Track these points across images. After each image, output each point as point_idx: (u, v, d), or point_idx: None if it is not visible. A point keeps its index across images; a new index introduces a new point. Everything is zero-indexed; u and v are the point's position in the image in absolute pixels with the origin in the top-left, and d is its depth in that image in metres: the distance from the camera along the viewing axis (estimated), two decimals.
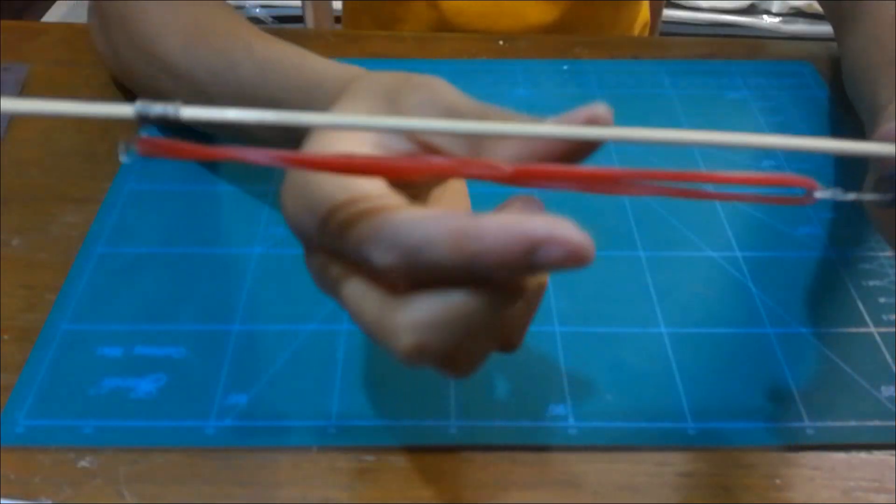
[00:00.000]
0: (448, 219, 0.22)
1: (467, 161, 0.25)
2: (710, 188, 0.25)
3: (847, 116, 0.52)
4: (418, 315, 0.23)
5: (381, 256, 0.23)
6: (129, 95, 0.52)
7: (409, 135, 0.27)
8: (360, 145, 0.27)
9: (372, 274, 0.25)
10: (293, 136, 0.29)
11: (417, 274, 0.23)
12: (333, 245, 0.25)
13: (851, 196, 0.24)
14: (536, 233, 0.20)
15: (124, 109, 0.20)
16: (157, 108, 0.20)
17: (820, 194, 0.24)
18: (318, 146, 0.27)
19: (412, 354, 0.24)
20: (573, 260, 0.20)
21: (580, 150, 0.25)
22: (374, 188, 0.25)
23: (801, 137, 0.23)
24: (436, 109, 0.27)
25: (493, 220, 0.21)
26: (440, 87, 0.28)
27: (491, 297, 0.23)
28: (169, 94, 0.45)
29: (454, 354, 0.27)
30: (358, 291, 0.25)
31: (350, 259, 0.25)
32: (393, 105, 0.28)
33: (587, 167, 0.23)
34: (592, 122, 0.23)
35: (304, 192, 0.26)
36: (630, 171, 0.23)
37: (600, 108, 0.23)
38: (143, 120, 0.20)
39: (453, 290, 0.23)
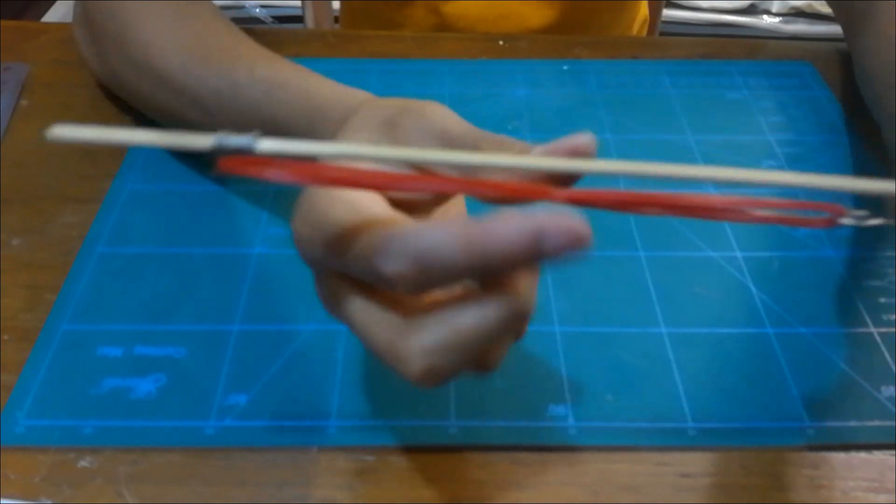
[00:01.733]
0: (455, 223, 0.23)
1: (522, 187, 0.26)
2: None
3: (848, 117, 0.52)
4: (428, 340, 0.24)
5: (393, 265, 0.23)
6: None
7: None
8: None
9: (382, 289, 0.26)
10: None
11: (428, 280, 0.23)
12: (344, 265, 0.26)
13: (877, 221, 0.24)
14: (542, 221, 0.22)
15: (203, 141, 0.21)
16: (234, 141, 0.21)
17: (846, 220, 0.24)
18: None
19: (424, 378, 0.25)
20: (576, 242, 0.22)
21: (568, 177, 0.26)
22: (380, 210, 0.26)
23: (813, 175, 0.23)
24: (431, 135, 0.28)
25: (499, 218, 0.22)
26: (436, 113, 0.29)
27: (499, 317, 0.24)
28: (167, 107, 0.44)
29: (479, 360, 0.27)
30: (368, 316, 0.26)
31: (361, 277, 0.26)
32: (391, 132, 0.29)
33: (625, 191, 0.24)
34: (575, 153, 0.25)
35: (316, 219, 0.27)
36: (669, 196, 0.23)
37: (584, 139, 0.25)
38: (219, 152, 0.21)
39: (462, 310, 0.24)
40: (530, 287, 0.24)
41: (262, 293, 0.39)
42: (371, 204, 0.27)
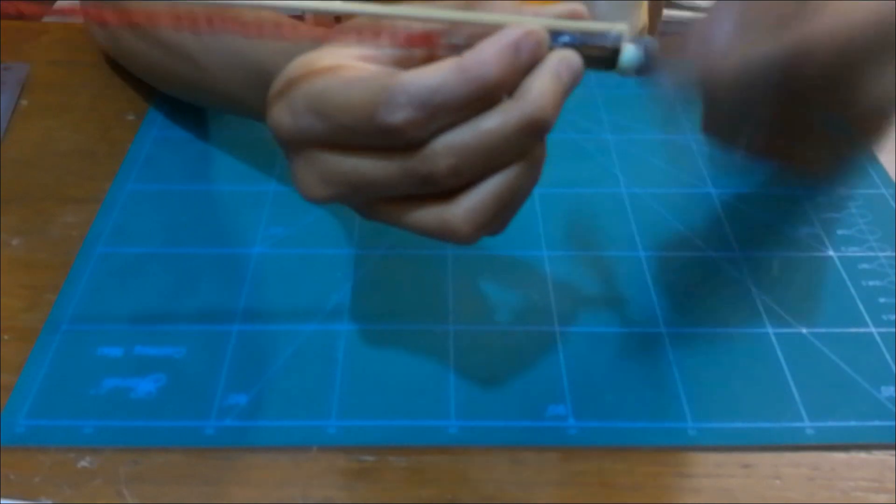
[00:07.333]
0: (445, 61, 0.25)
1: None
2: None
3: None
4: (453, 139, 0.25)
5: (400, 113, 0.24)
6: (127, 92, 0.52)
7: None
8: (347, 57, 0.28)
9: (387, 146, 0.26)
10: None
11: (435, 120, 0.25)
12: (338, 128, 0.26)
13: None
14: (515, 35, 0.25)
15: None
16: None
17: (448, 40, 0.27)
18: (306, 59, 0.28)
19: (449, 175, 0.26)
20: (539, 45, 0.26)
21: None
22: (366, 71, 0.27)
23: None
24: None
25: (481, 45, 0.25)
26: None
27: (518, 118, 0.26)
28: (162, 66, 0.47)
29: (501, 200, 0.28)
30: (373, 164, 0.26)
31: (353, 139, 0.26)
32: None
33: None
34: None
35: (300, 92, 0.27)
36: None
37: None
38: None
39: (484, 116, 0.25)
40: (545, 95, 0.26)
41: (262, 293, 0.39)
42: (356, 71, 0.27)
